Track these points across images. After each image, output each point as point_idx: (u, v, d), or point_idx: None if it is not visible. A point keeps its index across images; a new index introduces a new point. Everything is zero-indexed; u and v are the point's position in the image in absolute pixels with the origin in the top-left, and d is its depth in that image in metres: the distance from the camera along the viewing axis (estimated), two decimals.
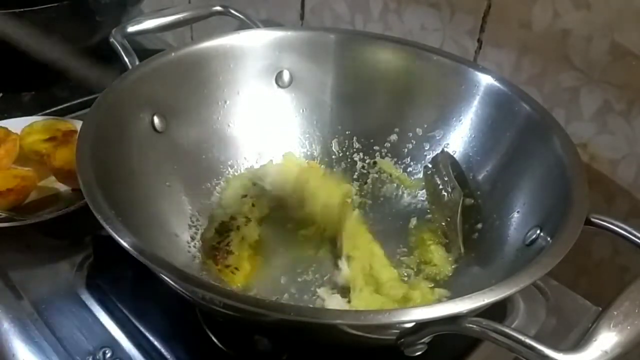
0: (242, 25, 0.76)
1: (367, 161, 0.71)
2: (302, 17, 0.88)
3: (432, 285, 0.58)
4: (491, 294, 0.40)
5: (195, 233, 0.62)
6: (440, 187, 0.65)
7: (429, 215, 0.65)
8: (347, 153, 0.72)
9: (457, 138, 0.66)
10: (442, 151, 0.67)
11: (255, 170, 0.70)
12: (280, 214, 0.66)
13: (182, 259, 0.58)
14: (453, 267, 0.60)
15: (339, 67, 0.71)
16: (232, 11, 0.78)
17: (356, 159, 0.71)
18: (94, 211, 0.45)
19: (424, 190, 0.68)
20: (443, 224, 0.63)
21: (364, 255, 0.59)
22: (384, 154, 0.70)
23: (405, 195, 0.68)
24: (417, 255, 0.62)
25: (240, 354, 0.53)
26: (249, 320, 0.48)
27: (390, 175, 0.70)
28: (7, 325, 0.55)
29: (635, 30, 0.56)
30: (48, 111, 0.83)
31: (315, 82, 0.71)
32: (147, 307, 0.57)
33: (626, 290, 0.40)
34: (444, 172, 0.65)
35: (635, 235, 0.47)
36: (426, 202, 0.67)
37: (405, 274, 0.60)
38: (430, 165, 0.67)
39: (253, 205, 0.65)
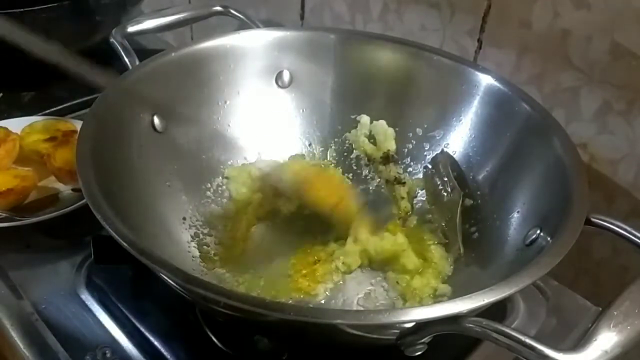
0: (242, 25, 0.76)
1: (367, 161, 0.71)
2: (302, 17, 0.88)
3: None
4: (491, 294, 0.40)
5: (196, 233, 0.62)
6: (440, 187, 0.65)
7: (429, 215, 0.65)
8: (347, 153, 0.72)
9: (457, 138, 0.66)
10: (442, 151, 0.67)
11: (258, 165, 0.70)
12: (283, 213, 0.66)
13: (182, 259, 0.58)
14: (452, 267, 0.60)
15: (339, 67, 0.71)
16: (232, 11, 0.78)
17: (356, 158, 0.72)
18: (94, 211, 0.45)
19: (424, 191, 0.68)
20: (443, 224, 0.63)
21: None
22: None
23: (405, 195, 0.68)
24: (417, 255, 0.61)
25: (240, 354, 0.53)
26: (249, 320, 0.48)
27: (390, 174, 0.70)
28: (7, 325, 0.55)
29: (635, 30, 0.56)
30: (48, 111, 0.83)
31: (315, 82, 0.71)
32: (147, 307, 0.57)
33: (626, 290, 0.40)
34: (444, 173, 0.65)
35: (635, 235, 0.47)
36: (426, 202, 0.67)
37: None
38: (430, 166, 0.67)
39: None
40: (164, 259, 0.42)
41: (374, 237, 0.60)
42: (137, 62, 0.65)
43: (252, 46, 0.69)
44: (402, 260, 0.59)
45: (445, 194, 0.64)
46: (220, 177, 0.68)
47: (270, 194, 0.66)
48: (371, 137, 0.71)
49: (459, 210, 0.61)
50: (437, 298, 0.57)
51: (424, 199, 0.67)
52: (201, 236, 0.62)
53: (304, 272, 0.60)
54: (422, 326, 0.40)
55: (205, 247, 0.61)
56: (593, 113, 0.62)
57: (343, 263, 0.59)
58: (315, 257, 0.61)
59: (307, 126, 0.72)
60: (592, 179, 0.57)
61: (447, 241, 0.62)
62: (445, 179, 0.64)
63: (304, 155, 0.72)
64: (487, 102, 0.63)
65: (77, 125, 0.74)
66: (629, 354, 0.37)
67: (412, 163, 0.69)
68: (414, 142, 0.69)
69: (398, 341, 0.42)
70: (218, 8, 0.78)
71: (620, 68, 0.58)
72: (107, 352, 0.53)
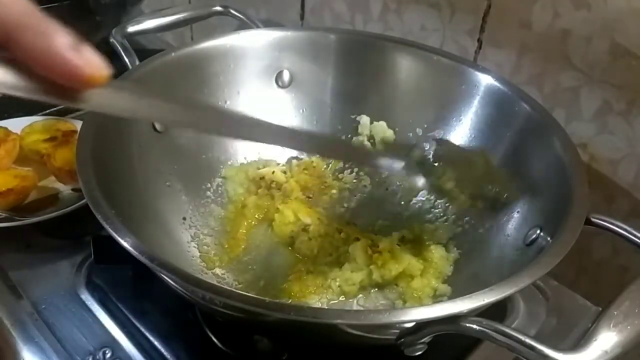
0: (242, 25, 0.76)
1: None
2: (302, 17, 0.88)
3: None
4: (491, 294, 0.40)
5: (195, 233, 0.62)
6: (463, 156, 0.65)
7: (429, 216, 0.65)
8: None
9: (457, 138, 0.66)
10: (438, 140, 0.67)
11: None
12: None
13: (181, 259, 0.58)
14: (452, 267, 0.60)
15: (339, 67, 0.71)
16: (232, 11, 0.78)
17: None
18: (94, 211, 0.45)
19: (423, 191, 0.68)
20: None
21: None
22: None
23: (405, 194, 0.68)
24: (417, 256, 0.61)
25: (240, 354, 0.53)
26: (249, 320, 0.48)
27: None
28: (7, 325, 0.55)
29: (635, 30, 0.56)
30: (48, 111, 0.83)
31: (315, 82, 0.71)
32: (147, 307, 0.57)
33: (626, 290, 0.40)
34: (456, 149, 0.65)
35: (635, 235, 0.47)
36: (426, 202, 0.67)
37: None
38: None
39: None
40: (164, 259, 0.42)
41: (374, 265, 0.58)
42: (137, 62, 0.65)
43: (252, 46, 0.69)
44: (407, 272, 0.59)
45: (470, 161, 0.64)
46: (220, 177, 0.68)
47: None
48: (370, 138, 0.71)
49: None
50: (437, 298, 0.57)
51: (423, 199, 0.67)
52: (201, 236, 0.62)
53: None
54: (422, 326, 0.40)
55: (205, 247, 0.61)
56: (593, 113, 0.62)
57: (339, 286, 0.58)
58: (309, 268, 0.60)
59: (307, 126, 0.72)
60: (592, 179, 0.57)
61: (446, 241, 0.62)
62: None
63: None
64: (487, 102, 0.63)
65: (77, 125, 0.74)
66: (629, 354, 0.37)
67: None
68: (414, 142, 0.69)
69: (398, 341, 0.42)
70: (218, 8, 0.78)
71: (620, 68, 0.58)
72: (107, 352, 0.53)
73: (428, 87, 0.68)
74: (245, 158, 0.70)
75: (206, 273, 0.59)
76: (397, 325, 0.41)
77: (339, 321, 0.40)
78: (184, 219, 0.62)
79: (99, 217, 0.44)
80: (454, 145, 0.65)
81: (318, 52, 0.70)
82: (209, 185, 0.67)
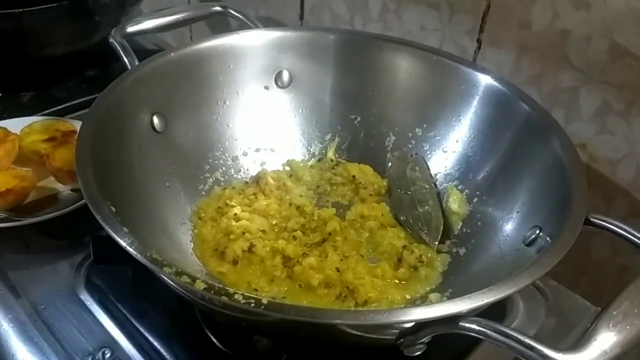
0: (242, 25, 0.76)
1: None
2: (301, 17, 0.88)
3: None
4: (491, 294, 0.40)
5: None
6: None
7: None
8: (347, 153, 0.72)
9: (457, 138, 0.66)
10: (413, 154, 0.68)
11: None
12: None
13: (181, 259, 0.58)
14: (448, 266, 0.60)
15: (339, 67, 0.71)
16: (232, 11, 0.78)
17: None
18: (93, 211, 0.45)
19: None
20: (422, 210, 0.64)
21: None
22: None
23: None
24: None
25: (240, 354, 0.53)
26: (248, 320, 0.48)
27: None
28: (6, 326, 0.55)
29: (635, 31, 0.56)
30: (48, 111, 0.83)
31: (315, 82, 0.71)
32: (147, 307, 0.57)
33: (625, 290, 0.40)
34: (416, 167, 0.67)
35: (634, 235, 0.47)
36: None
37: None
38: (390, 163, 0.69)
39: None
40: (164, 259, 0.42)
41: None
42: (137, 62, 0.65)
43: (252, 46, 0.69)
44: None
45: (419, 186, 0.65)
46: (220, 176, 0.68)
47: None
48: None
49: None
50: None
51: None
52: None
53: None
54: (422, 326, 0.40)
55: None
56: (592, 113, 0.62)
57: None
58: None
59: (307, 126, 0.72)
60: (591, 179, 0.57)
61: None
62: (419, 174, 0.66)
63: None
64: (486, 102, 0.63)
65: (77, 125, 0.74)
66: (629, 354, 0.37)
67: None
68: (414, 142, 0.69)
69: (398, 341, 0.42)
70: (217, 8, 0.78)
71: (620, 68, 0.58)
72: (106, 352, 0.53)
73: (427, 87, 0.68)
74: (246, 158, 0.70)
75: (206, 274, 0.59)
76: (397, 325, 0.41)
77: (338, 321, 0.40)
78: (184, 219, 0.62)
79: (98, 217, 0.44)
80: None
81: (317, 52, 0.70)
82: (208, 185, 0.66)
